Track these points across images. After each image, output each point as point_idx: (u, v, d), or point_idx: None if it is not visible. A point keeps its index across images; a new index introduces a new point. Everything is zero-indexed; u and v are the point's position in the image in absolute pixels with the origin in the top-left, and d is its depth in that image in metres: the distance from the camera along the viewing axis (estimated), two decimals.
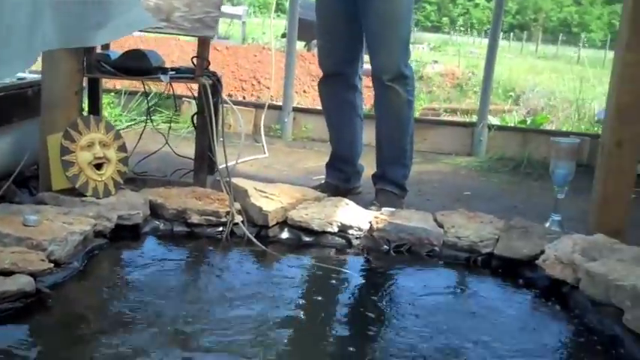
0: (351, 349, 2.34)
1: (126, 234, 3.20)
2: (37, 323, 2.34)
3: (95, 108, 3.92)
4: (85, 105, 3.88)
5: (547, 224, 3.62)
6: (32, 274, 2.43)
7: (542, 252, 3.06)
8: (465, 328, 2.56)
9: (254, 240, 3.19)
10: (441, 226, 3.41)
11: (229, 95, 8.10)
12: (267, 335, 2.36)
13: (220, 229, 3.32)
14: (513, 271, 3.14)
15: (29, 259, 2.47)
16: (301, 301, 2.73)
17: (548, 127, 7.48)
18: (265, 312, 2.54)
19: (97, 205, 3.19)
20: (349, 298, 2.87)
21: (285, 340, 2.36)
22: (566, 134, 5.93)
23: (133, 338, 2.27)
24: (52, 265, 2.53)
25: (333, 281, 2.96)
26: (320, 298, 2.80)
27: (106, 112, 5.51)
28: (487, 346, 2.41)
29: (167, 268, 2.97)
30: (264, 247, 3.16)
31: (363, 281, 3.04)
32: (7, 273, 2.38)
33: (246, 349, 2.24)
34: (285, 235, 3.38)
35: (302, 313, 2.62)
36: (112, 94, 6.28)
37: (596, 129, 6.73)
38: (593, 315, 2.63)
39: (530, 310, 2.86)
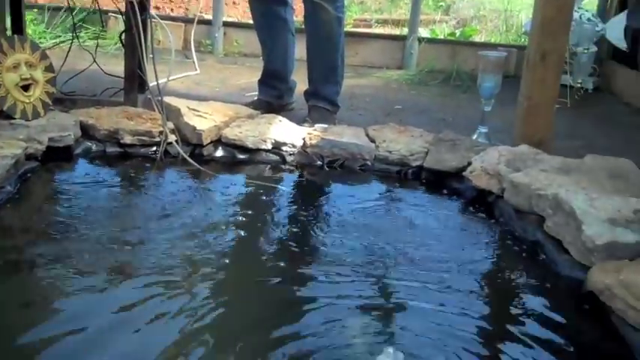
0: (282, 264, 2.41)
1: (58, 156, 3.17)
2: None
3: (18, 27, 3.78)
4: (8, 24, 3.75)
5: (474, 136, 3.74)
6: None
7: (470, 164, 3.18)
8: (394, 239, 2.66)
9: (188, 159, 3.20)
10: (372, 140, 3.49)
11: (157, 8, 7.88)
12: (201, 254, 2.40)
13: (154, 149, 3.33)
14: (442, 182, 3.26)
15: None
16: (236, 219, 2.76)
17: (476, 39, 7.56)
18: (200, 230, 2.59)
19: (27, 128, 3.14)
20: (282, 213, 2.91)
21: (220, 258, 2.41)
22: (494, 47, 6.02)
23: (70, 262, 2.27)
24: None
25: (267, 197, 3.01)
26: (254, 215, 2.83)
27: (29, 30, 5.33)
28: (416, 255, 2.52)
29: (102, 189, 2.98)
30: (198, 166, 3.17)
31: (297, 196, 3.12)
32: None
33: (180, 269, 2.28)
34: (219, 153, 3.41)
35: (237, 230, 2.66)
36: (35, 10, 6.05)
37: (523, 40, 6.83)
38: (517, 223, 2.77)
39: (458, 219, 2.96)
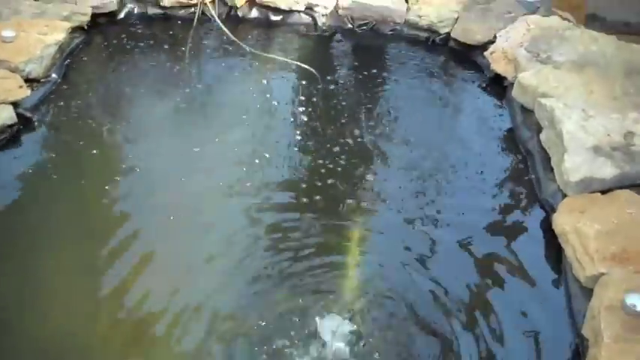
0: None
1: (102, 21, 3.40)
2: (27, 144, 2.67)
3: None
4: None
5: None
6: (13, 103, 2.70)
7: (495, 38, 3.18)
8: (410, 110, 2.95)
9: (222, 27, 3.32)
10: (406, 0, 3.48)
11: None
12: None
13: (192, 10, 3.46)
14: (467, 53, 3.32)
15: (8, 88, 2.72)
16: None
17: None
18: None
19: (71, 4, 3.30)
20: (317, 92, 3.07)
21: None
22: None
23: (129, 129, 2.72)
24: (29, 92, 2.76)
25: (299, 77, 3.16)
26: (290, 96, 3.07)
27: None
28: (427, 129, 2.82)
29: (144, 52, 3.26)
30: (232, 36, 3.29)
31: (328, 73, 3.22)
32: None
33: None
34: (254, 14, 3.52)
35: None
36: None
37: None
38: (521, 119, 2.85)
39: (471, 100, 3.11)
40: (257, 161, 2.59)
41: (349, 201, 2.40)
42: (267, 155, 2.63)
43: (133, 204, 2.36)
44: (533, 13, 3.33)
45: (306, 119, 2.86)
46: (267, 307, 1.97)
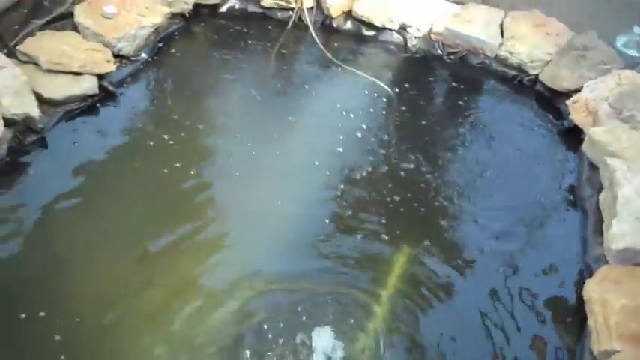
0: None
1: (204, 12, 3.55)
2: (103, 115, 2.83)
3: None
4: None
5: (623, 40, 3.42)
6: (99, 75, 2.88)
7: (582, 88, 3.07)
8: (479, 147, 2.93)
9: (314, 36, 3.39)
10: (502, 32, 3.42)
11: None
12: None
13: (290, 13, 3.54)
14: (553, 98, 3.21)
15: (96, 60, 2.90)
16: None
17: None
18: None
19: None
20: (389, 112, 3.09)
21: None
22: None
23: (200, 116, 2.86)
24: (114, 67, 2.95)
25: (375, 95, 3.17)
26: (361, 111, 3.08)
27: None
28: (493, 171, 2.80)
29: (237, 46, 3.38)
30: (321, 47, 3.35)
31: (406, 95, 3.22)
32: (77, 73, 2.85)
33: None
34: (348, 26, 3.56)
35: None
36: None
37: None
38: (587, 176, 2.75)
39: (545, 148, 3.00)
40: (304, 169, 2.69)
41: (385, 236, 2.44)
42: (317, 163, 2.71)
43: (192, 191, 2.52)
44: (632, 68, 3.17)
45: (370, 137, 2.89)
46: None
